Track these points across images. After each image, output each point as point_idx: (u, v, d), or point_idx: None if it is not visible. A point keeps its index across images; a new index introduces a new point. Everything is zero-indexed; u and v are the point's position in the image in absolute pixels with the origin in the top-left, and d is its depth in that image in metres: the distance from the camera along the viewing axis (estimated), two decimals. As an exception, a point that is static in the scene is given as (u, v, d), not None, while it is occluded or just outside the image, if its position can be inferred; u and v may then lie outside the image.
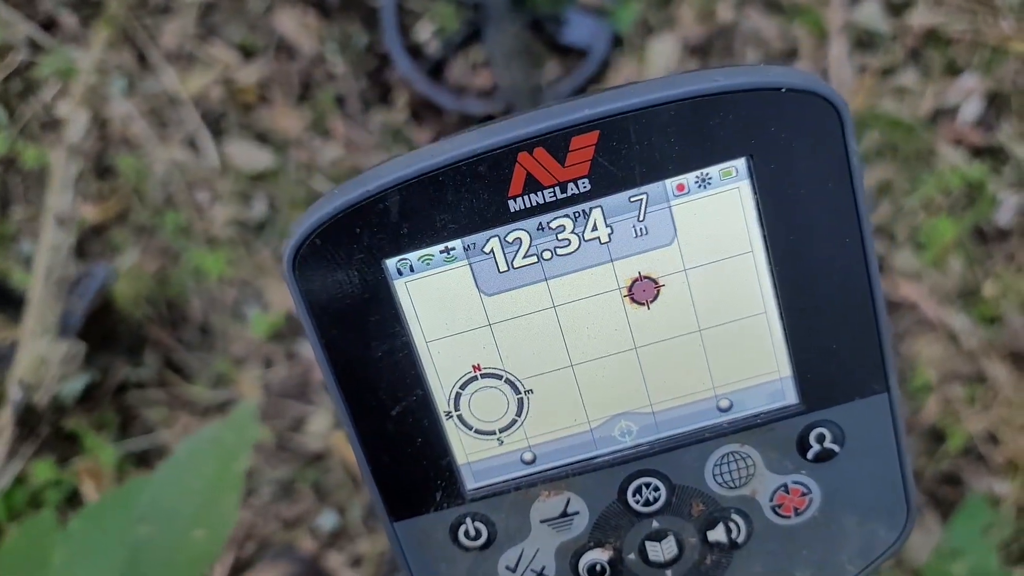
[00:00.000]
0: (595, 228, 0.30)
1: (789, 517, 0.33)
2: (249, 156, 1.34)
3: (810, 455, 0.32)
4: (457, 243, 0.30)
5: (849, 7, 1.37)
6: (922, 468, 1.17)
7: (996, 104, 1.32)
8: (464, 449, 0.33)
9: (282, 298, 1.28)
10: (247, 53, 1.41)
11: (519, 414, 0.32)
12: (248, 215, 1.33)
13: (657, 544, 0.33)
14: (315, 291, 0.30)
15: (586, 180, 0.29)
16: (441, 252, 0.30)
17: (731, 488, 0.32)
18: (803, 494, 0.32)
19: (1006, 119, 1.31)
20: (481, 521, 0.33)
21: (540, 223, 0.30)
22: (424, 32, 1.42)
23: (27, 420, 1.00)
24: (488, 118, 1.35)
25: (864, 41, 1.37)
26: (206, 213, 1.33)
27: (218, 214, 1.32)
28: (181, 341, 1.30)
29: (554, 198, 0.29)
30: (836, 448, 0.32)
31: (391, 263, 0.30)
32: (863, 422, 0.31)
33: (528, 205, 0.29)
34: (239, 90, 1.38)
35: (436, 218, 0.29)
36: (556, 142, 0.28)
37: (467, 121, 1.39)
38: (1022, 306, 1.21)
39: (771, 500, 0.33)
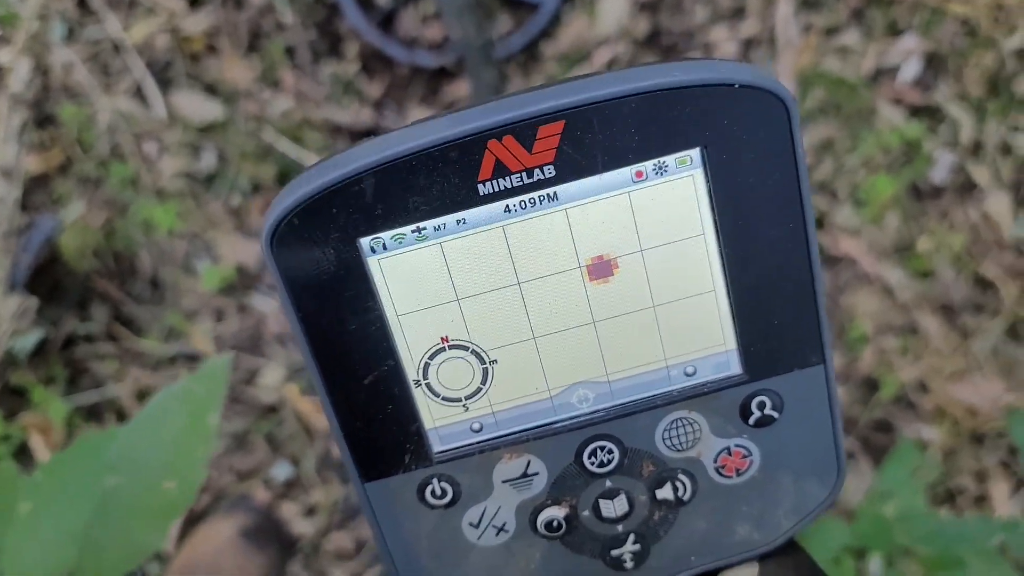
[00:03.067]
0: (558, 211, 0.32)
1: (731, 477, 0.35)
2: (197, 107, 1.33)
3: (751, 421, 0.35)
4: (428, 224, 0.31)
5: (796, -35, 1.39)
6: (857, 416, 1.23)
7: (934, 65, 1.36)
8: (432, 415, 0.35)
9: (232, 251, 1.28)
10: (193, 1, 1.39)
11: (484, 383, 0.34)
12: (197, 167, 1.32)
13: (610, 502, 0.36)
14: (292, 268, 0.32)
15: (551, 166, 0.31)
16: (413, 232, 0.32)
17: (679, 451, 0.35)
18: (744, 456, 0.35)
19: (943, 79, 1.35)
20: (447, 481, 0.35)
21: (507, 206, 0.31)
22: (374, -18, 1.41)
23: (-23, 376, 1.00)
24: (440, 71, 1.35)
25: (809, 0, 1.39)
26: (154, 165, 1.31)
27: (166, 166, 1.31)
28: (130, 294, 1.29)
29: (521, 183, 0.31)
30: (775, 414, 0.34)
31: (365, 242, 0.32)
32: (801, 391, 0.34)
33: (496, 189, 0.31)
34: (186, 39, 1.36)
35: (409, 200, 0.31)
36: (524, 130, 0.30)
37: (418, 73, 1.39)
38: (953, 261, 1.27)
39: (715, 461, 0.35)
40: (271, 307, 1.26)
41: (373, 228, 0.31)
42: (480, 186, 0.31)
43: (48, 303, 1.24)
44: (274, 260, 0.31)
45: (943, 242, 1.27)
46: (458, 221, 0.32)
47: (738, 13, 1.41)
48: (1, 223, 1.03)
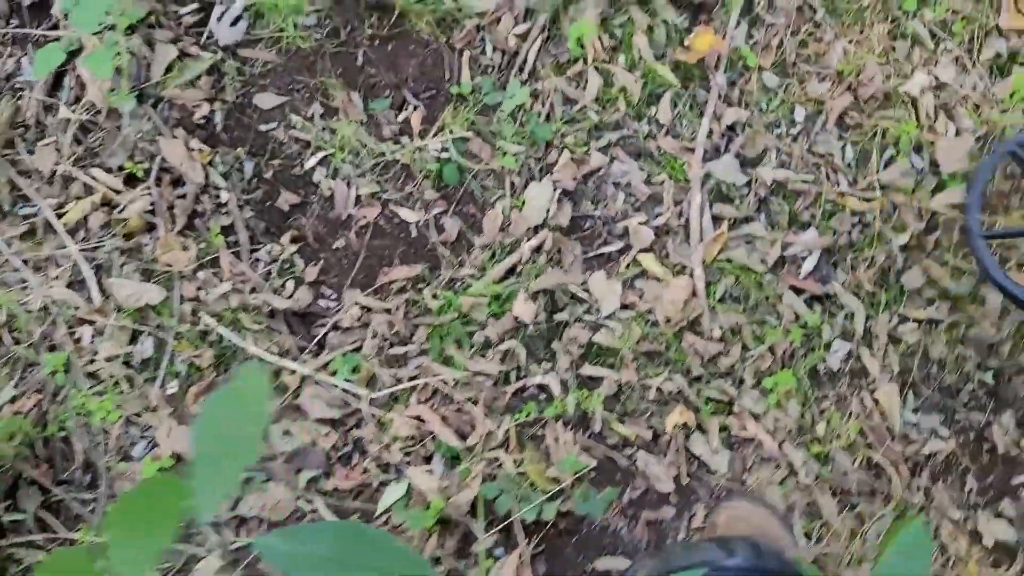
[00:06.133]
0: None
1: None
2: (132, 290, 1.34)
3: None
4: None
5: (708, 160, 1.50)
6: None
7: (831, 257, 1.48)
8: None
9: (169, 439, 1.30)
10: (129, 180, 1.41)
11: None
12: (132, 351, 1.33)
13: None
14: None
15: None
16: None
17: None
18: None
19: (840, 271, 1.47)
20: None
21: None
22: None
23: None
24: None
25: (722, 192, 1.50)
26: (87, 350, 1.32)
27: (101, 350, 1.32)
28: (62, 483, 1.29)
29: None
30: None
31: None
32: None
33: None
34: (119, 220, 1.38)
35: None
36: None
37: (353, 253, 1.43)
38: (848, 446, 1.38)
39: None
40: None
41: None
42: None
43: (-25, 493, 1.23)
44: None
45: (839, 429, 1.39)
46: None
47: (654, 199, 1.51)
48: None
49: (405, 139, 1.49)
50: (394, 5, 1.50)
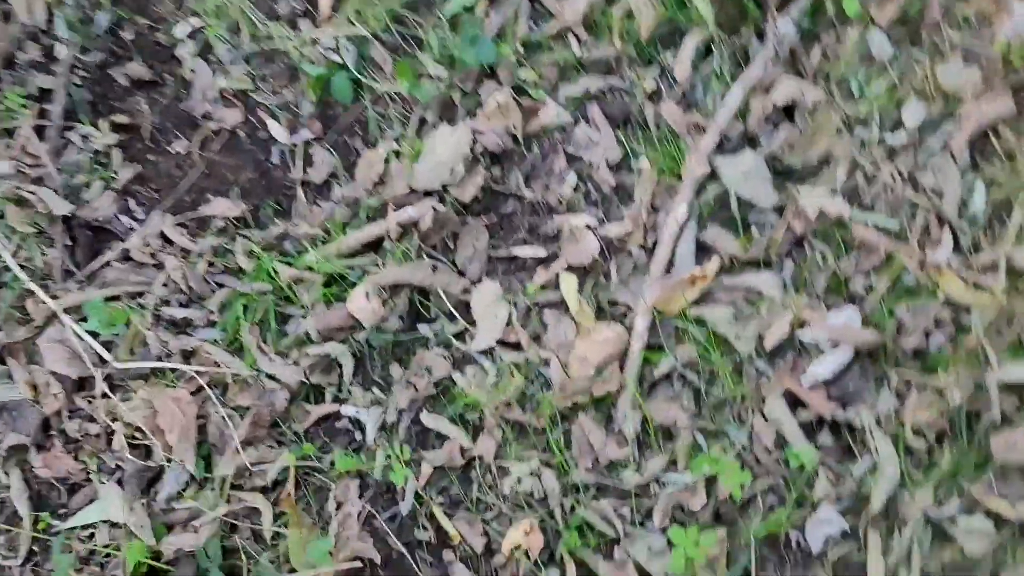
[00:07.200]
0: None
1: None
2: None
3: None
4: None
5: (724, 153, 0.92)
6: None
7: (876, 364, 0.87)
8: None
9: None
10: (-42, 4, 1.10)
11: None
12: None
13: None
14: None
15: None
16: None
17: None
18: None
19: (884, 391, 0.86)
20: None
21: None
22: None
23: None
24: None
25: (728, 209, 0.92)
26: None
27: None
28: None
29: None
30: None
31: None
32: None
33: None
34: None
35: None
36: None
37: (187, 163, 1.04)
38: None
39: None
40: None
41: None
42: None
43: None
44: None
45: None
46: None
47: (621, 197, 0.96)
48: None
49: (306, 24, 1.05)
50: None
